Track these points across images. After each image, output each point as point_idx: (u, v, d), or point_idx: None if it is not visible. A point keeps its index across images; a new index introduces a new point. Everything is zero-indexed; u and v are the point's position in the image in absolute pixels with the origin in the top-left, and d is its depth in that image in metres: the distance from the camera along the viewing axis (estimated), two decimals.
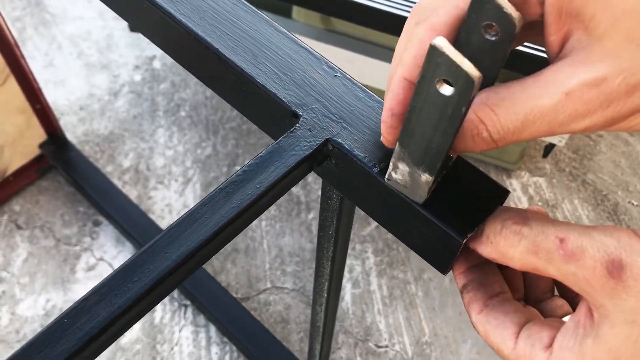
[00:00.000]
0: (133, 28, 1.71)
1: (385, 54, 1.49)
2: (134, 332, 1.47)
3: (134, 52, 1.95)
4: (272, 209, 1.66)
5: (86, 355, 0.42)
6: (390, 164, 0.45)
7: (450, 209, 0.47)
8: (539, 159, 1.77)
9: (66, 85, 1.87)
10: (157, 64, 1.93)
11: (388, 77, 0.43)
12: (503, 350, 0.42)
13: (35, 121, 1.55)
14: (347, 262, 1.59)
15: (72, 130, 1.77)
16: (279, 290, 1.56)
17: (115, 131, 1.78)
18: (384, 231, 1.64)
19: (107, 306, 0.42)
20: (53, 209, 1.65)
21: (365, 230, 1.64)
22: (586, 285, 0.36)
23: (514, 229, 0.40)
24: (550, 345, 0.40)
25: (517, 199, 1.70)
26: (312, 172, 0.54)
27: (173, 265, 0.44)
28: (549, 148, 1.64)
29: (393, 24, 1.22)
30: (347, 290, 1.56)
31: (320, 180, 1.72)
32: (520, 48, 1.16)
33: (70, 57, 1.93)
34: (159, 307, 1.51)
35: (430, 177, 0.43)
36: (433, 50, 0.33)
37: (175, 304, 1.52)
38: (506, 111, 0.37)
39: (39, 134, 1.60)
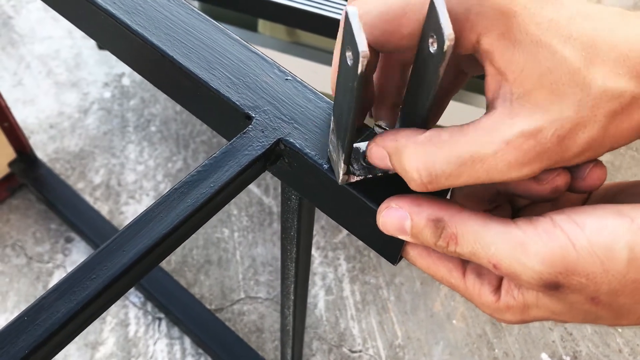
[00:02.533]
0: (98, 44, 1.73)
1: None
2: (108, 346, 1.47)
3: (103, 69, 1.96)
4: (244, 220, 1.68)
5: (47, 351, 0.43)
6: (329, 137, 0.48)
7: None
8: None
9: (36, 104, 1.87)
10: (126, 81, 1.94)
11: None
12: (451, 280, 0.44)
13: (3, 139, 1.55)
14: (320, 269, 1.61)
15: (43, 148, 1.77)
16: (252, 300, 1.57)
17: (86, 148, 1.79)
18: (355, 238, 1.66)
19: (66, 303, 0.44)
20: (24, 227, 1.64)
21: (337, 237, 1.67)
22: None
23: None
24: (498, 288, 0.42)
25: None
26: (268, 172, 0.56)
27: (130, 262, 0.46)
28: None
29: None
30: (321, 298, 1.57)
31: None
32: None
33: (40, 76, 1.94)
34: (132, 320, 1.52)
35: (342, 156, 0.46)
36: (345, 17, 0.36)
37: (149, 317, 1.53)
38: (445, 154, 0.38)
39: (8, 153, 1.60)
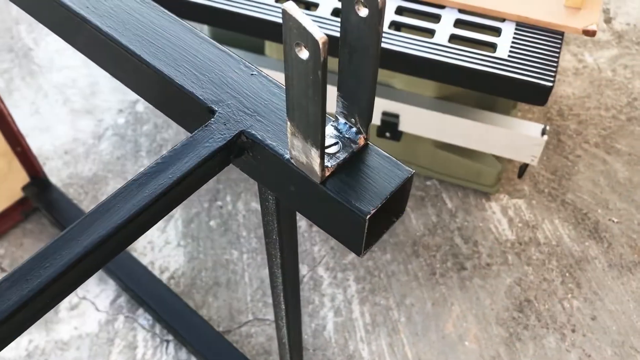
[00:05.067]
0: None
1: None
2: None
3: (118, 96, 2.00)
4: (253, 242, 1.67)
5: None
6: (288, 141, 0.48)
7: (354, 187, 0.48)
8: (517, 182, 1.79)
9: (51, 131, 1.91)
10: (140, 107, 1.97)
11: None
12: None
13: (17, 164, 1.59)
14: (329, 290, 1.60)
15: (57, 174, 1.81)
16: (260, 322, 1.55)
17: (99, 173, 1.82)
18: (365, 258, 1.65)
19: (18, 291, 0.44)
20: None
21: (347, 258, 1.65)
22: None
23: None
24: None
25: (497, 221, 1.71)
26: (234, 165, 0.56)
27: (84, 251, 0.46)
28: (523, 168, 1.66)
29: None
30: (329, 319, 1.55)
31: None
32: (472, 65, 1.19)
33: (56, 105, 1.98)
34: (140, 343, 1.51)
35: (318, 151, 0.45)
36: (285, 15, 0.36)
37: (157, 339, 1.52)
38: None
39: (22, 177, 1.63)
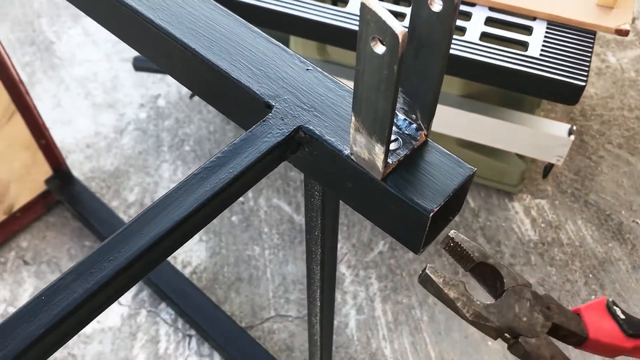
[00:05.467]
0: (134, 64, 1.77)
1: None
2: None
3: (139, 91, 2.00)
4: (275, 238, 1.67)
5: (63, 331, 0.43)
6: (350, 136, 0.47)
7: (415, 185, 0.48)
8: (540, 182, 1.78)
9: (73, 124, 1.92)
10: (161, 102, 1.97)
11: None
12: None
13: (40, 157, 1.59)
14: (351, 288, 1.59)
15: (79, 167, 1.81)
16: (282, 318, 1.55)
17: (121, 167, 1.82)
18: (387, 256, 1.64)
19: (83, 283, 0.44)
20: (60, 244, 1.67)
21: (369, 256, 1.65)
22: None
23: None
24: None
25: (520, 221, 1.70)
26: (288, 162, 0.56)
27: (147, 245, 0.46)
28: (548, 168, 1.65)
29: None
30: (352, 317, 1.55)
31: None
32: (504, 64, 1.18)
33: (78, 98, 1.99)
34: (163, 337, 1.52)
35: (383, 147, 0.45)
36: (363, 8, 0.36)
37: (180, 334, 1.52)
38: None
39: (45, 170, 1.64)
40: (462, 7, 1.29)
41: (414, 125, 0.51)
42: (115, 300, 0.46)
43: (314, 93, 0.54)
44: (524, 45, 1.23)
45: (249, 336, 1.47)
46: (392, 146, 0.50)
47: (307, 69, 0.56)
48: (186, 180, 0.49)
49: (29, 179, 1.61)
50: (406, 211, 0.48)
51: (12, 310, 1.54)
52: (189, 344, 1.51)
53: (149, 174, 1.80)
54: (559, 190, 1.77)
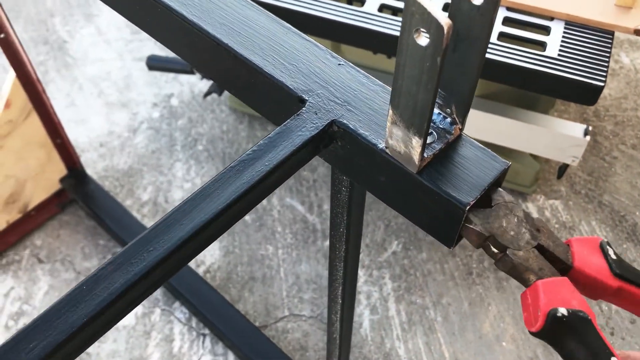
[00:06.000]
0: (148, 63, 1.77)
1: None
2: None
3: (152, 90, 2.01)
4: (289, 237, 1.67)
5: (105, 320, 0.43)
6: (386, 129, 0.47)
7: (450, 178, 0.48)
8: (554, 182, 1.77)
9: (87, 123, 1.92)
10: (174, 101, 1.98)
11: None
12: None
13: (55, 155, 1.60)
14: (365, 288, 1.59)
15: (93, 166, 1.82)
16: (296, 317, 1.55)
17: (135, 166, 1.82)
18: (400, 257, 1.64)
19: (124, 274, 0.44)
20: (74, 242, 1.68)
21: (382, 256, 1.65)
22: None
23: None
24: None
25: None
26: (319, 157, 0.56)
27: (187, 236, 0.46)
28: (562, 168, 1.65)
29: (394, 47, 1.25)
30: (365, 317, 1.55)
31: None
32: (522, 64, 1.18)
33: (91, 97, 2.00)
34: (177, 336, 1.52)
35: (420, 140, 0.45)
36: (409, 0, 0.36)
37: (194, 333, 1.53)
38: None
39: (60, 169, 1.64)
40: None
41: (449, 119, 0.51)
42: (154, 290, 0.47)
43: (346, 87, 0.55)
44: (542, 45, 1.23)
45: (263, 335, 1.47)
46: (427, 140, 0.50)
47: (339, 64, 0.56)
48: (223, 172, 0.49)
49: (43, 178, 1.62)
50: (441, 205, 0.48)
51: (27, 308, 1.55)
52: (203, 342, 1.51)
53: (163, 173, 1.81)
54: (573, 191, 1.76)
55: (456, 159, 0.50)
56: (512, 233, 0.50)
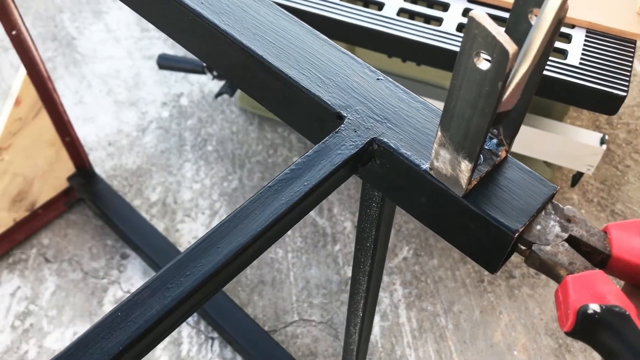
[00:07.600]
0: (158, 62, 1.75)
1: (408, 84, 1.51)
2: None
3: (162, 89, 1.99)
4: (298, 241, 1.66)
5: (141, 348, 0.42)
6: (433, 151, 0.46)
7: (497, 203, 0.47)
8: (566, 190, 1.76)
9: (95, 121, 1.90)
10: (184, 101, 1.96)
11: None
12: None
13: (64, 154, 1.58)
14: None
15: (101, 165, 1.80)
16: (306, 322, 1.54)
17: (143, 166, 1.81)
18: (411, 263, 1.63)
19: (160, 299, 0.42)
20: (81, 242, 1.66)
21: (393, 262, 1.63)
22: None
23: None
24: None
25: None
26: (355, 180, 0.54)
27: (225, 259, 0.44)
28: (577, 177, 1.63)
29: (410, 51, 1.23)
30: (376, 323, 1.53)
31: (346, 211, 1.72)
32: (546, 72, 1.16)
33: (100, 95, 1.98)
34: (185, 339, 1.50)
35: (470, 164, 0.43)
36: (471, 22, 0.34)
37: (202, 336, 1.51)
38: None
39: (68, 167, 1.63)
40: (498, 13, 1.27)
41: (495, 140, 0.49)
42: (190, 316, 0.45)
43: (386, 104, 0.53)
44: (563, 53, 1.21)
45: (272, 340, 1.46)
46: None
47: (378, 79, 0.55)
48: (260, 192, 0.47)
49: (52, 176, 1.60)
50: (488, 230, 0.47)
51: (33, 308, 1.53)
52: (212, 346, 1.50)
53: (172, 173, 1.79)
54: (585, 199, 1.75)
55: (502, 182, 0.48)
56: (538, 227, 0.47)
